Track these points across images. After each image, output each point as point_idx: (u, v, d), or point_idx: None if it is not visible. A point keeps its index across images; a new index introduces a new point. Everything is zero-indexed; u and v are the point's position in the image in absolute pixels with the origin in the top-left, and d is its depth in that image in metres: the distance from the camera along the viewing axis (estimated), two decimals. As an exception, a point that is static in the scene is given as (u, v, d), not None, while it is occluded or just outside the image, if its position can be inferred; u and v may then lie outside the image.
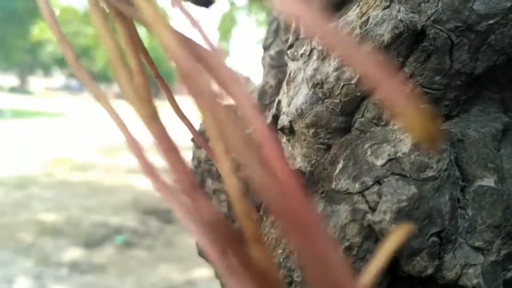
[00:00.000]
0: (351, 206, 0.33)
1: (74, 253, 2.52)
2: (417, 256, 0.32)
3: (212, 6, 0.31)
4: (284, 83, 0.47)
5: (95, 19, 0.23)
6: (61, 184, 3.89)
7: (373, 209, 0.32)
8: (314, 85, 0.40)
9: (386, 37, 0.35)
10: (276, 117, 0.48)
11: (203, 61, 0.20)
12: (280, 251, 0.36)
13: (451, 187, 0.34)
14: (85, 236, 2.78)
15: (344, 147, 0.38)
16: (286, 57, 0.47)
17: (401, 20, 0.34)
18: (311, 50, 0.41)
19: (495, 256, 0.33)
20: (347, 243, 0.33)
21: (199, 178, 0.63)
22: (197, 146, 0.64)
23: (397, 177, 0.33)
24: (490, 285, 0.33)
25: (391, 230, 0.32)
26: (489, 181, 0.35)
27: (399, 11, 0.35)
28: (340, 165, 0.36)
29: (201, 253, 0.55)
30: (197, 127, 0.62)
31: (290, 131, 0.45)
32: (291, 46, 0.47)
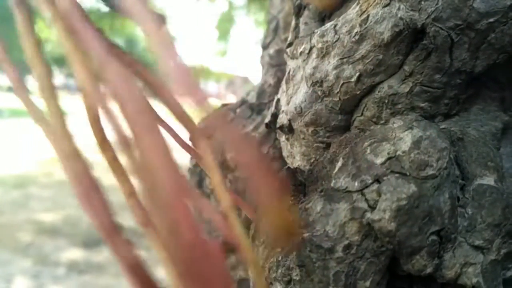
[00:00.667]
0: (350, 205, 0.33)
1: (72, 252, 2.52)
2: (417, 255, 0.32)
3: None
4: (283, 82, 0.47)
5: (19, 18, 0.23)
6: (59, 184, 3.89)
7: (372, 208, 0.32)
8: (314, 84, 0.40)
9: (386, 35, 0.35)
10: (275, 116, 0.48)
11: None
12: (278, 249, 0.35)
13: (451, 185, 0.33)
14: (84, 236, 2.77)
15: (344, 146, 0.38)
16: (285, 56, 0.47)
17: (401, 18, 0.34)
18: (310, 49, 0.41)
19: (495, 255, 0.33)
20: (346, 242, 0.33)
21: (198, 177, 0.63)
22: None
23: (396, 175, 0.32)
24: (490, 284, 0.33)
25: (390, 228, 0.31)
26: (489, 180, 0.34)
27: (399, 9, 0.34)
28: (339, 164, 0.36)
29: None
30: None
31: (289, 129, 0.45)
32: (290, 45, 0.47)
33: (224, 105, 0.66)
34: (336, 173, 0.35)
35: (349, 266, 0.33)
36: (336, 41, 0.38)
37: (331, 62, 0.38)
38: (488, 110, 0.38)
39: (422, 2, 0.34)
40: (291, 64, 0.45)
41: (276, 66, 0.62)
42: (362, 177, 0.33)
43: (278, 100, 0.48)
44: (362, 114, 0.39)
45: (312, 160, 0.43)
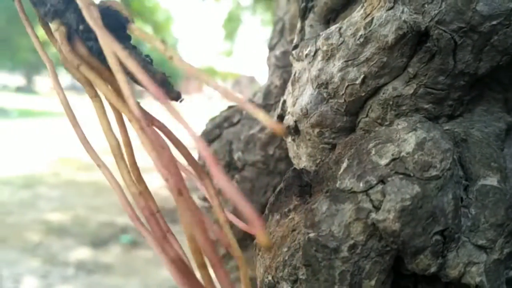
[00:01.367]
0: (355, 205, 0.34)
1: (80, 252, 2.54)
2: (421, 255, 0.33)
3: (181, 99, 0.31)
4: (289, 83, 0.48)
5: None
6: (67, 184, 3.91)
7: (377, 208, 0.33)
8: (319, 85, 0.40)
9: (390, 38, 0.35)
10: (281, 117, 0.49)
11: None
12: (285, 249, 0.36)
13: (455, 186, 0.34)
14: (92, 235, 2.79)
15: (349, 147, 0.38)
16: (291, 58, 0.47)
17: (405, 21, 0.35)
18: (316, 51, 0.41)
19: (498, 255, 0.33)
20: (351, 242, 0.33)
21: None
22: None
23: (401, 176, 0.33)
24: (493, 283, 0.33)
25: (395, 228, 0.32)
26: (492, 180, 0.35)
27: (403, 12, 0.35)
28: (344, 165, 0.36)
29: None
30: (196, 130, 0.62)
31: (295, 131, 0.45)
32: (296, 47, 0.47)
33: (230, 107, 0.67)
34: (341, 174, 0.36)
35: (355, 265, 0.33)
36: (341, 43, 0.39)
37: (336, 64, 0.39)
38: (492, 111, 0.39)
39: (426, 5, 0.34)
40: (296, 66, 0.46)
41: (282, 68, 0.62)
42: (367, 178, 0.34)
43: (284, 101, 0.48)
44: (367, 116, 0.39)
45: (318, 161, 0.44)
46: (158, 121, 0.29)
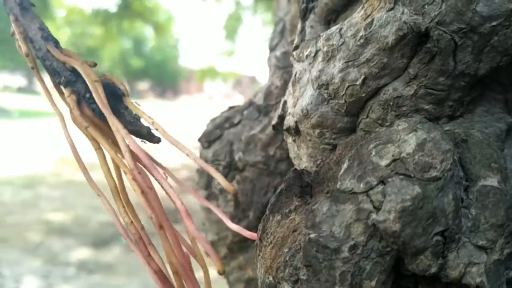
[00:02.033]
0: (355, 206, 0.34)
1: (81, 252, 2.54)
2: (421, 255, 0.33)
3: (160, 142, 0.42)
4: (290, 84, 0.48)
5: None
6: (68, 184, 3.91)
7: (377, 209, 0.33)
8: (319, 86, 0.40)
9: (391, 39, 0.35)
10: (282, 118, 0.49)
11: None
12: (286, 249, 0.36)
13: (455, 187, 0.34)
14: (93, 235, 2.79)
15: (349, 148, 0.38)
16: (291, 58, 0.47)
17: (405, 22, 0.35)
18: (316, 52, 0.41)
19: (498, 255, 0.33)
20: (352, 242, 0.33)
21: (206, 178, 0.64)
22: (204, 147, 0.65)
23: (401, 177, 0.33)
24: (493, 284, 0.33)
25: (395, 229, 0.32)
26: (492, 181, 0.35)
27: (403, 13, 0.35)
28: (345, 165, 0.36)
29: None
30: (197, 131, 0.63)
31: (296, 131, 0.45)
32: (296, 48, 0.47)
33: (231, 108, 0.67)
34: (342, 174, 0.36)
35: (355, 266, 0.33)
36: (342, 44, 0.39)
37: (337, 65, 0.39)
38: (492, 111, 0.39)
39: (426, 6, 0.34)
40: (297, 67, 0.46)
41: (283, 68, 0.62)
42: (367, 178, 0.34)
43: (285, 102, 0.49)
44: (367, 116, 0.40)
45: (318, 162, 0.44)
46: (147, 158, 0.38)
